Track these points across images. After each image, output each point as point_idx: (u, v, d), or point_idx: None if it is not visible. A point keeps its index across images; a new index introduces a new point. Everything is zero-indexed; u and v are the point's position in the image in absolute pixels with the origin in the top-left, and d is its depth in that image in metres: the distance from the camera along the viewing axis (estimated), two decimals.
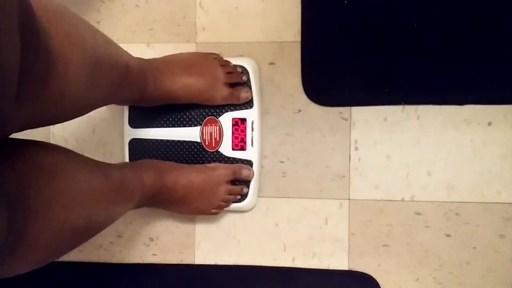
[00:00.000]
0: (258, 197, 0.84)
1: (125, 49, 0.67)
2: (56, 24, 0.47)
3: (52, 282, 0.89)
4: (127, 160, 0.84)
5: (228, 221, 0.86)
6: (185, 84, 0.76)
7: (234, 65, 0.81)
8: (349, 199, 0.83)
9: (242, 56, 0.84)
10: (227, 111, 0.81)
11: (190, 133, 0.82)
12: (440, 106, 0.80)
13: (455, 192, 0.81)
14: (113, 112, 0.88)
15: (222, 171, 0.79)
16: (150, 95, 0.73)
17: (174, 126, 0.83)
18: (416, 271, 0.82)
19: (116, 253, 0.89)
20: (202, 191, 0.78)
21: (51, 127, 0.90)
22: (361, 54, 0.81)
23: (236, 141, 0.82)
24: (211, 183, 0.79)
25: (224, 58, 0.82)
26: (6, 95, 0.39)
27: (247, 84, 0.81)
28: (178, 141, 0.83)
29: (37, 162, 0.50)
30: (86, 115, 0.61)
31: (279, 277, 0.84)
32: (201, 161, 0.82)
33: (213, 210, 0.81)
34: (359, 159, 0.82)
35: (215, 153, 0.82)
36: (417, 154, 0.81)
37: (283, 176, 0.84)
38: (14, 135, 0.48)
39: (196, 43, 0.86)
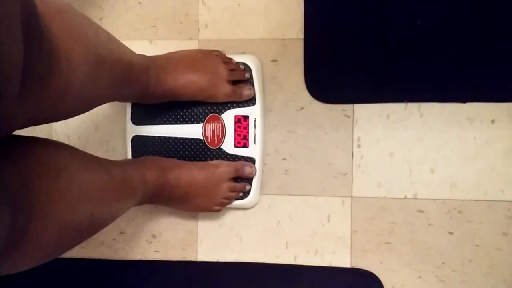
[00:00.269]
0: (260, 194, 0.84)
1: (127, 46, 0.67)
2: (59, 21, 0.47)
3: (55, 278, 0.89)
4: (129, 157, 0.84)
5: (230, 218, 0.86)
6: (187, 81, 0.76)
7: (237, 62, 0.81)
8: (351, 196, 0.83)
9: (244, 53, 0.84)
10: (230, 108, 0.81)
11: (192, 130, 0.82)
12: (443, 104, 0.80)
13: (458, 190, 0.80)
14: (115, 109, 0.88)
15: (224, 168, 0.79)
16: (152, 92, 0.73)
17: (177, 123, 0.83)
18: (418, 268, 0.82)
19: (118, 250, 0.89)
20: (205, 188, 0.78)
21: (53, 124, 0.90)
22: (364, 51, 0.81)
23: (239, 138, 0.82)
24: (213, 180, 0.79)
25: (227, 55, 0.82)
26: (9, 93, 0.39)
27: (249, 81, 0.81)
28: (181, 138, 0.83)
29: (40, 159, 0.50)
30: (88, 112, 0.62)
31: (281, 274, 0.84)
32: (203, 158, 0.82)
33: (216, 207, 0.81)
34: (361, 157, 0.82)
35: (217, 150, 0.82)
36: (420, 152, 0.81)
37: (286, 174, 0.84)
38: (17, 132, 0.48)
39: (198, 40, 0.86)
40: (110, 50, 0.59)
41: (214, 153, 0.82)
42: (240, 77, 0.80)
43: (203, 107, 0.82)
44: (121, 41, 0.65)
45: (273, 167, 0.84)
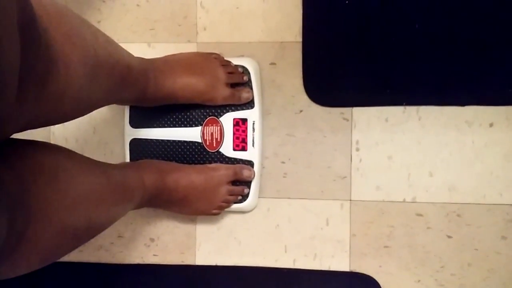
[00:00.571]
0: (259, 197, 0.84)
1: (126, 49, 0.67)
2: (57, 24, 0.47)
3: (53, 282, 0.89)
4: (127, 160, 0.84)
5: (229, 221, 0.86)
6: (186, 84, 0.76)
7: (235, 65, 0.81)
8: (350, 200, 0.83)
9: (243, 56, 0.84)
10: (228, 111, 0.81)
11: (191, 133, 0.82)
12: (442, 107, 0.80)
13: (457, 194, 0.80)
14: (113, 112, 0.88)
15: (223, 171, 0.79)
16: (151, 95, 0.73)
17: (175, 126, 0.83)
18: (417, 272, 0.82)
19: (116, 253, 0.89)
20: (203, 191, 0.78)
21: (51, 127, 0.90)
22: (363, 55, 0.81)
23: (237, 142, 0.81)
24: (212, 184, 0.78)
25: (225, 58, 0.82)
26: (6, 96, 0.39)
27: (248, 84, 0.81)
28: (179, 141, 0.83)
29: (38, 162, 0.50)
30: (87, 115, 0.61)
31: (280, 278, 0.84)
32: (202, 162, 0.82)
33: (214, 211, 0.81)
34: (360, 160, 0.82)
35: (216, 153, 0.82)
36: (419, 155, 0.81)
37: (284, 177, 0.84)
38: (15, 136, 0.48)
39: (197, 43, 0.86)
40: (109, 53, 0.59)
41: (213, 156, 0.82)
42: (238, 80, 0.80)
43: (202, 110, 0.82)
44: (120, 44, 0.65)
45: (271, 171, 0.84)
